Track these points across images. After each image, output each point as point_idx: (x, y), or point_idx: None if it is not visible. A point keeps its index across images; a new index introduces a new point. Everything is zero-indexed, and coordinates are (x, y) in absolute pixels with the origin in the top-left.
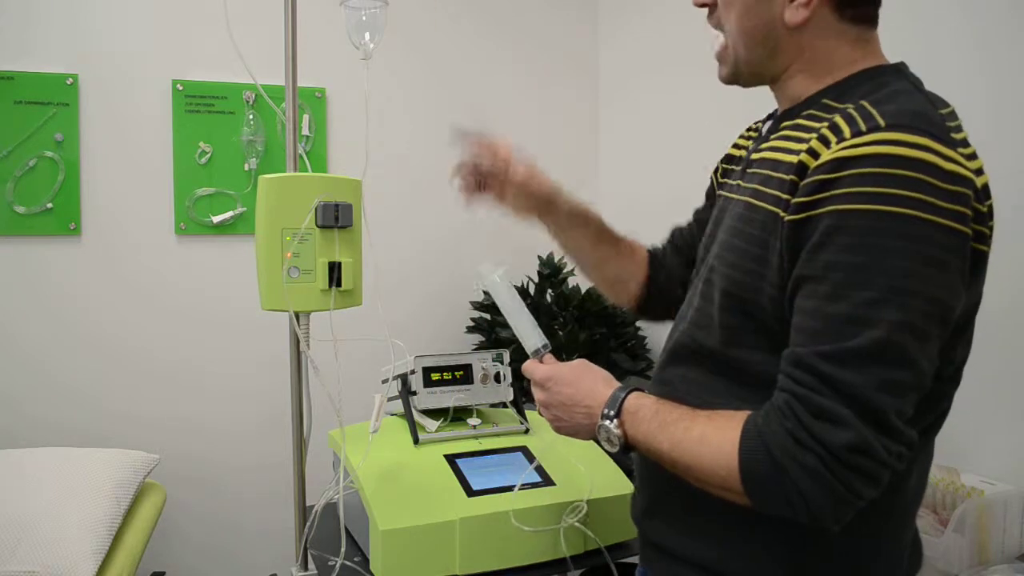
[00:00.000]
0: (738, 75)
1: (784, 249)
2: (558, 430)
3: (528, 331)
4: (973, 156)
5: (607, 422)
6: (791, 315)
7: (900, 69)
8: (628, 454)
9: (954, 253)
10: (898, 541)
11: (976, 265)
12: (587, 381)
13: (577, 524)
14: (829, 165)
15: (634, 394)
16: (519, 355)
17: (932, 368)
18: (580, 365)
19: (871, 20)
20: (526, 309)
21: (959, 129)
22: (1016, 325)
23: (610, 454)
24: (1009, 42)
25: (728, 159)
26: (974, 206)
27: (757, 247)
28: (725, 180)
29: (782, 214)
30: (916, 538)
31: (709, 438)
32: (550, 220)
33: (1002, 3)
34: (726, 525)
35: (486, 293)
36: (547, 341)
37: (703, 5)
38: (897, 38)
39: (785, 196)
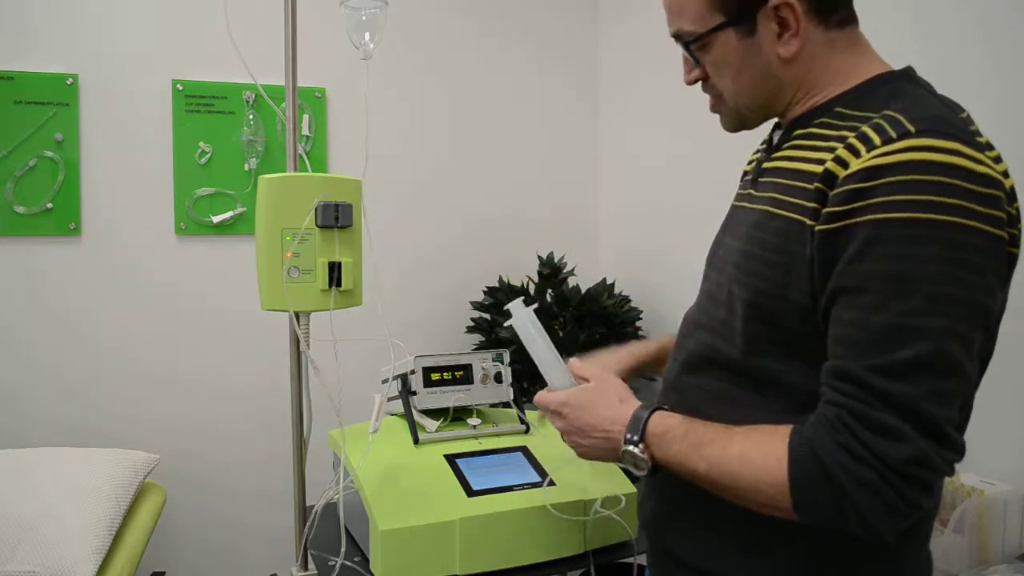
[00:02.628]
0: (745, 123)
1: (816, 259)
2: (582, 455)
3: (556, 374)
4: (999, 159)
5: (631, 448)
6: (827, 326)
7: (910, 75)
8: (655, 477)
9: (991, 257)
10: (918, 555)
11: (1009, 268)
12: (603, 404)
13: (614, 515)
14: (862, 174)
15: (657, 414)
16: (519, 355)
17: (975, 373)
18: (594, 386)
19: (853, 19)
20: (555, 350)
21: (979, 133)
22: (1016, 326)
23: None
24: (1014, 43)
25: (743, 176)
26: (1006, 209)
27: (777, 255)
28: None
29: (808, 222)
30: (929, 555)
31: (751, 456)
32: (646, 375)
33: (1008, 3)
34: (741, 534)
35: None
36: (575, 383)
37: (694, 82)
38: (902, 38)
39: (811, 205)
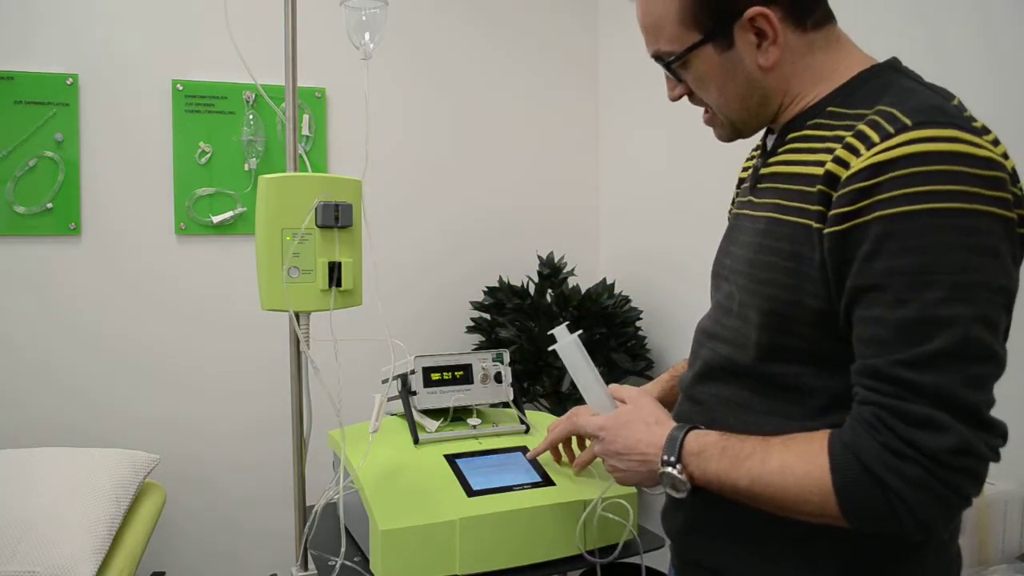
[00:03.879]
0: (740, 134)
1: (828, 261)
2: (620, 480)
3: (598, 399)
4: (996, 142)
5: (669, 469)
6: (848, 327)
7: (895, 66)
8: (696, 496)
9: (1004, 240)
10: (949, 550)
11: (1021, 248)
12: (638, 426)
13: (615, 518)
14: (865, 172)
15: (693, 433)
16: (519, 355)
17: (1005, 355)
18: (629, 409)
19: (830, 18)
20: (599, 376)
21: (974, 118)
22: (1016, 324)
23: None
24: (1016, 40)
25: (740, 183)
26: (1011, 190)
27: (789, 261)
28: (735, 199)
29: (815, 225)
30: (958, 548)
31: (792, 467)
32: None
33: (1009, 1)
34: (770, 540)
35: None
36: (616, 407)
37: (678, 98)
38: (905, 36)
39: (816, 208)
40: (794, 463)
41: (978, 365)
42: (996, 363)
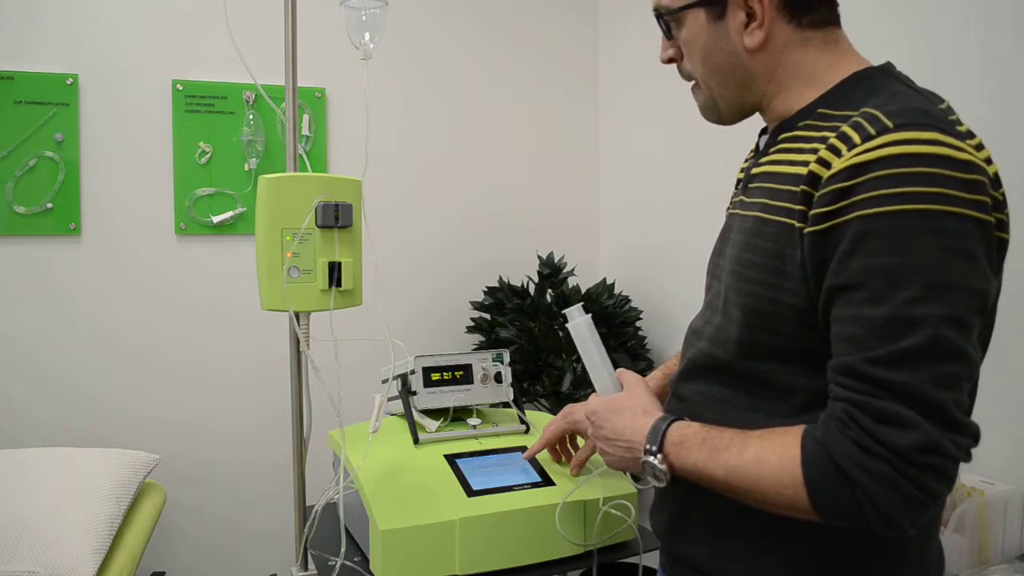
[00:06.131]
0: (720, 114)
1: (808, 260)
2: (608, 464)
3: (602, 381)
4: (980, 147)
5: (650, 458)
6: (827, 325)
7: (888, 70)
8: (677, 488)
9: (981, 242)
10: (929, 548)
11: (999, 252)
12: (626, 413)
13: (614, 511)
14: (845, 173)
15: (677, 424)
16: (519, 355)
17: (978, 357)
18: (623, 396)
19: (833, 21)
20: (608, 358)
21: (960, 122)
22: (1016, 324)
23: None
24: (1013, 41)
25: (737, 183)
26: (991, 194)
27: (773, 259)
28: (732, 199)
29: (797, 224)
30: (939, 549)
31: (767, 459)
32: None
33: (1006, 2)
34: (755, 537)
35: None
36: (620, 391)
37: (669, 61)
38: (902, 37)
39: (798, 207)
40: (768, 455)
41: (948, 364)
42: (967, 363)
